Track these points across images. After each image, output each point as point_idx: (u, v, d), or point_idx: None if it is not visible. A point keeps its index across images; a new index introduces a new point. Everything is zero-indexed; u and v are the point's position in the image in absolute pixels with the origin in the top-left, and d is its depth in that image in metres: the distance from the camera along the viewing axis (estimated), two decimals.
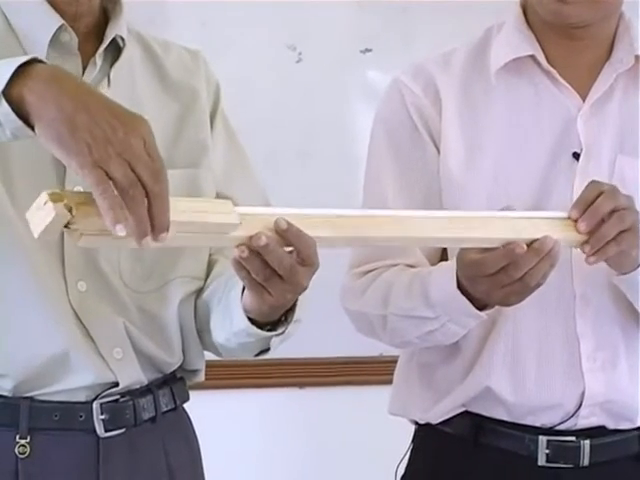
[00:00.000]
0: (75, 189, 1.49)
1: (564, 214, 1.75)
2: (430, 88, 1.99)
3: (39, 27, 1.70)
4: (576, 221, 1.74)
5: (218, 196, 1.81)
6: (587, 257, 1.75)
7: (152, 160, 1.36)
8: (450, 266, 1.80)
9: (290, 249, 1.51)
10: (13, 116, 1.39)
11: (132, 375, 1.70)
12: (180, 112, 1.82)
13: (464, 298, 1.79)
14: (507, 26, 1.99)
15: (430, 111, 1.98)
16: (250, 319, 1.63)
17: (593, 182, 1.78)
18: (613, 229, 1.75)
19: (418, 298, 1.86)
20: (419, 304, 1.86)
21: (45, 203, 1.35)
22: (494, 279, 1.71)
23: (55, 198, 1.34)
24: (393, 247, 1.84)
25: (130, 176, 1.34)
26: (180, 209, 1.41)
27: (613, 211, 1.76)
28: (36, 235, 1.36)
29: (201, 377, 1.84)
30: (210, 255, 1.84)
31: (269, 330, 1.64)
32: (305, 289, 1.56)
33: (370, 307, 1.93)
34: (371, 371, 2.60)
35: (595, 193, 1.76)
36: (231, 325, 1.69)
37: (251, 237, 1.48)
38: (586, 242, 1.74)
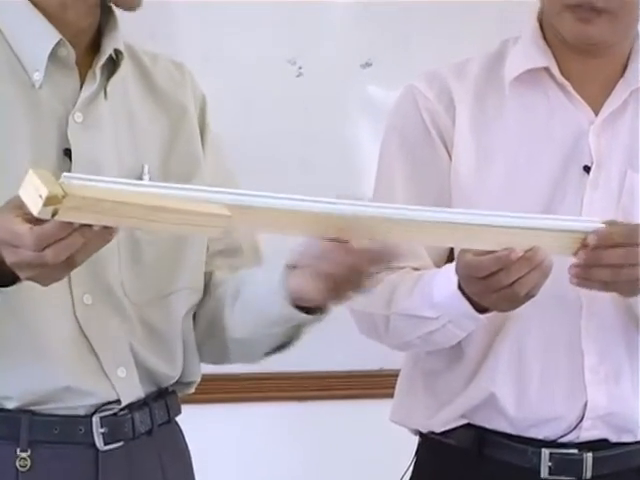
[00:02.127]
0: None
1: (587, 226, 1.74)
2: (444, 94, 1.99)
3: (38, 42, 1.69)
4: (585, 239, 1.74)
5: None
6: (573, 268, 1.75)
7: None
8: (453, 267, 1.80)
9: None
10: None
11: (134, 393, 1.70)
12: (171, 125, 1.82)
13: (464, 299, 1.80)
14: (523, 38, 2.00)
15: (443, 117, 1.99)
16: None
17: (629, 227, 1.79)
18: (616, 258, 1.76)
19: (421, 298, 1.87)
20: (421, 304, 1.86)
21: (39, 197, 1.37)
22: (486, 282, 1.72)
23: (50, 201, 1.37)
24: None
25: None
26: (166, 220, 1.45)
27: (630, 245, 1.77)
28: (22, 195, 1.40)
29: (192, 389, 1.84)
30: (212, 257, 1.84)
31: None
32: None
33: (374, 307, 1.92)
34: (371, 385, 2.59)
35: (621, 237, 1.77)
36: (262, 315, 1.70)
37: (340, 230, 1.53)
38: (581, 249, 1.74)
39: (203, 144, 1.86)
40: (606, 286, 1.81)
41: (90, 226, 1.42)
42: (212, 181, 1.80)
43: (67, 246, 1.43)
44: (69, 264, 1.46)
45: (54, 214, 1.38)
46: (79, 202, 1.39)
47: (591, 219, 1.77)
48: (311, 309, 1.65)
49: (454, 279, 1.80)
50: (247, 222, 1.55)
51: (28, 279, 1.48)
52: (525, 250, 1.68)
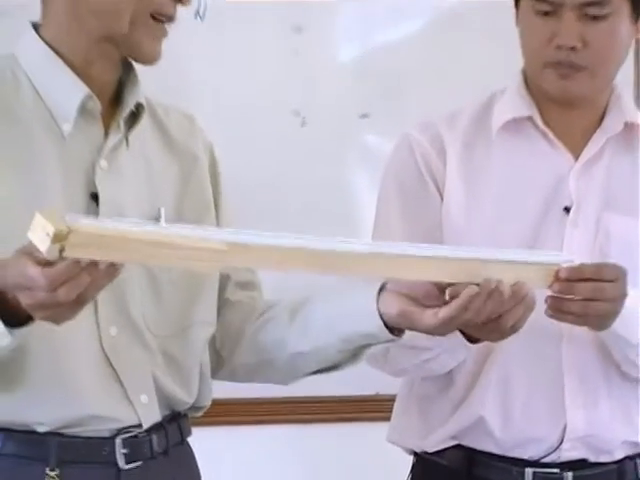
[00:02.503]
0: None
1: (560, 260, 1.73)
2: (436, 141, 2.00)
3: (67, 96, 1.69)
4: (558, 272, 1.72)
5: None
6: (548, 299, 1.74)
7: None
8: None
9: None
10: None
11: (154, 417, 1.71)
12: (184, 172, 1.82)
13: (457, 330, 1.77)
14: (509, 90, 2.01)
15: (435, 161, 1.99)
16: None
17: (604, 265, 1.80)
18: (586, 291, 1.76)
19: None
20: (417, 334, 1.80)
21: (47, 235, 1.37)
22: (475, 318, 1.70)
23: (57, 238, 1.37)
24: None
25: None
26: (167, 256, 1.45)
27: (599, 280, 1.77)
28: (30, 236, 1.39)
29: (201, 413, 1.84)
30: (226, 297, 1.84)
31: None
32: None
33: None
34: (368, 409, 2.58)
35: (592, 273, 1.76)
36: (335, 330, 1.71)
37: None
38: (555, 282, 1.72)
39: (217, 189, 1.87)
40: (577, 319, 1.81)
41: (96, 264, 1.42)
42: (229, 223, 1.83)
43: (77, 284, 1.42)
44: (79, 302, 1.45)
45: (61, 251, 1.37)
46: (84, 238, 1.38)
47: (564, 254, 1.78)
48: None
49: None
50: (243, 259, 1.53)
51: (42, 319, 1.48)
52: (510, 285, 1.65)
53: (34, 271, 1.43)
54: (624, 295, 1.82)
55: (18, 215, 1.57)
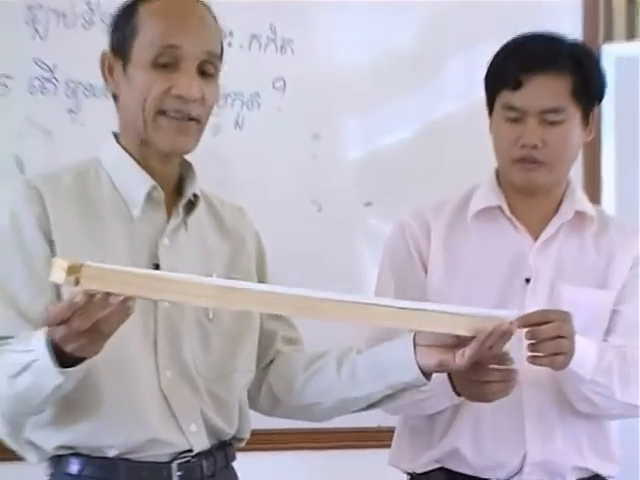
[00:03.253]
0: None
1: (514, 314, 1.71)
2: (424, 225, 2.04)
3: (138, 186, 1.73)
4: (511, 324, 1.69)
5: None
6: (527, 348, 1.79)
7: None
8: None
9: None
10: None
11: (202, 444, 1.72)
12: (233, 250, 1.83)
13: (449, 383, 1.85)
14: (484, 185, 2.05)
15: (423, 242, 2.04)
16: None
17: (543, 310, 1.83)
18: (551, 331, 1.80)
19: None
20: None
21: (63, 270, 1.35)
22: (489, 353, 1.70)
23: (71, 270, 1.35)
24: (397, 333, 1.82)
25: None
26: (167, 289, 1.43)
27: (551, 321, 1.80)
28: (51, 278, 1.38)
29: (243, 443, 1.84)
30: (274, 339, 1.86)
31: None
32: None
33: None
34: (371, 438, 2.59)
35: (539, 317, 1.81)
36: (381, 379, 1.73)
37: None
38: (528, 334, 1.76)
39: (263, 272, 1.88)
40: (550, 359, 1.82)
41: (107, 298, 1.39)
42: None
43: (88, 315, 1.40)
44: (98, 333, 1.43)
45: (77, 283, 1.35)
46: (95, 272, 1.36)
47: (511, 310, 1.74)
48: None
49: None
50: (233, 300, 1.50)
51: (72, 352, 1.46)
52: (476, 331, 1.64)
53: (49, 306, 1.45)
54: (574, 333, 1.84)
55: None
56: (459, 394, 1.86)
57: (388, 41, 2.78)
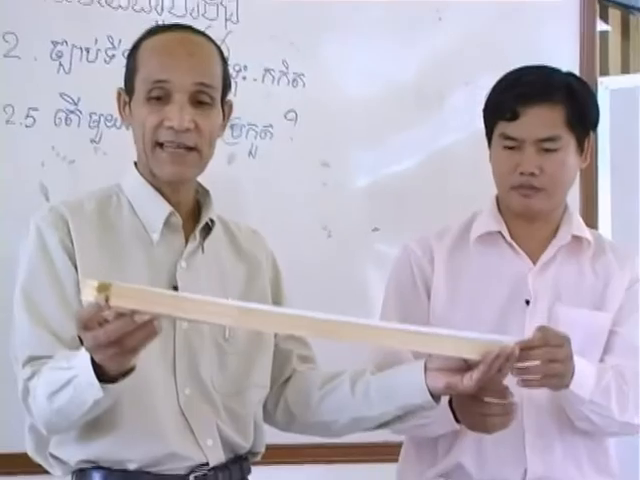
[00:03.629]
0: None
1: (513, 340, 1.71)
2: (428, 252, 2.05)
3: (156, 212, 1.76)
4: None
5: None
6: (517, 369, 1.73)
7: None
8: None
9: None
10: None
11: (219, 457, 1.73)
12: (249, 272, 1.85)
13: (450, 412, 1.84)
14: (484, 210, 2.07)
15: (427, 267, 2.04)
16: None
17: (543, 334, 1.77)
18: (541, 356, 1.76)
19: None
20: None
21: (93, 288, 1.37)
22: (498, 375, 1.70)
23: (101, 288, 1.38)
24: (403, 352, 1.86)
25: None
26: (190, 308, 1.45)
27: (545, 345, 1.77)
28: (82, 297, 1.40)
29: (259, 457, 1.85)
30: (290, 357, 1.87)
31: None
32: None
33: None
34: (378, 453, 2.58)
35: (539, 341, 1.76)
36: (393, 400, 1.73)
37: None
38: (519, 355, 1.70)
39: (280, 292, 1.90)
40: (541, 381, 1.80)
41: (132, 316, 1.40)
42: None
43: (114, 328, 1.41)
44: (124, 348, 1.44)
45: (106, 300, 1.37)
46: (123, 291, 1.39)
47: (514, 336, 1.74)
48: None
49: (447, 398, 1.81)
50: (253, 320, 1.51)
51: (100, 362, 1.48)
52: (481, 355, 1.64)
53: (79, 310, 1.47)
54: (571, 357, 1.83)
55: None
56: (459, 421, 1.85)
57: (394, 75, 2.80)
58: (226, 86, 1.80)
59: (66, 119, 2.46)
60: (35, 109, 2.43)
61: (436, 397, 1.71)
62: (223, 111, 1.80)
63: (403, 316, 2.00)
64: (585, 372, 1.89)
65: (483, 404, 1.73)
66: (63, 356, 1.58)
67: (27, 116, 2.42)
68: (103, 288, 1.37)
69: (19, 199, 2.37)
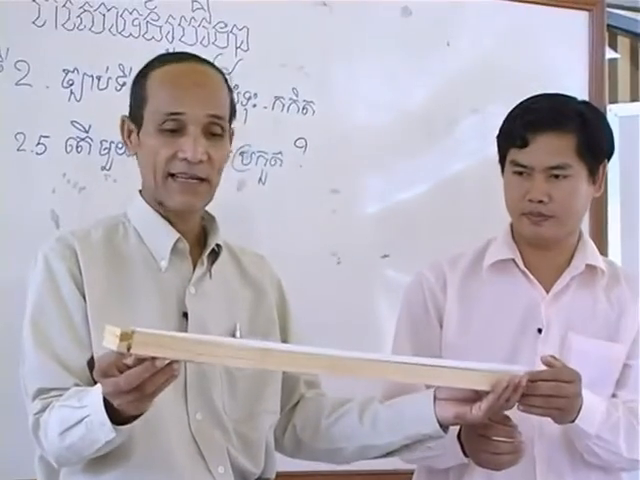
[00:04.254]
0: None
1: (523, 370, 1.74)
2: (440, 277, 2.06)
3: (164, 239, 1.77)
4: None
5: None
6: (521, 397, 1.72)
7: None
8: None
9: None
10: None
11: None
12: (255, 297, 1.87)
13: (458, 445, 1.84)
14: (499, 238, 2.08)
15: (439, 295, 2.05)
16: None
17: (558, 370, 1.79)
18: (547, 390, 1.77)
19: None
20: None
21: (116, 337, 1.38)
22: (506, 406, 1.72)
23: (123, 337, 1.38)
24: (414, 385, 1.85)
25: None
26: (213, 353, 1.47)
27: (555, 380, 1.79)
28: (104, 344, 1.41)
29: None
30: (298, 383, 1.87)
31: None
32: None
33: None
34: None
35: (550, 375, 1.79)
36: (400, 430, 1.74)
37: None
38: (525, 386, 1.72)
39: (287, 317, 1.90)
40: (543, 411, 1.80)
41: (154, 362, 1.41)
42: (293, 339, 1.87)
43: (136, 375, 1.42)
44: (145, 393, 1.45)
45: (129, 348, 1.38)
46: (145, 338, 1.40)
47: (522, 366, 1.77)
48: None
49: (456, 431, 1.82)
50: (271, 362, 1.53)
51: (120, 407, 1.49)
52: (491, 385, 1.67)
53: (99, 358, 1.48)
54: (579, 394, 1.84)
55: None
56: (467, 455, 1.85)
57: (403, 103, 2.81)
58: (232, 114, 1.82)
59: (77, 146, 2.47)
60: (46, 137, 2.44)
61: (444, 427, 1.71)
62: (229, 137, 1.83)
63: (415, 343, 2.03)
64: (593, 407, 1.89)
65: (492, 442, 1.74)
66: (75, 393, 1.58)
67: (38, 143, 2.43)
68: (125, 337, 1.38)
69: (30, 225, 2.37)
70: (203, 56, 1.85)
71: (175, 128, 1.72)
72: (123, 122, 1.80)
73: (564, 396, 1.81)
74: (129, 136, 1.79)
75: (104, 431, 1.52)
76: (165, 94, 1.73)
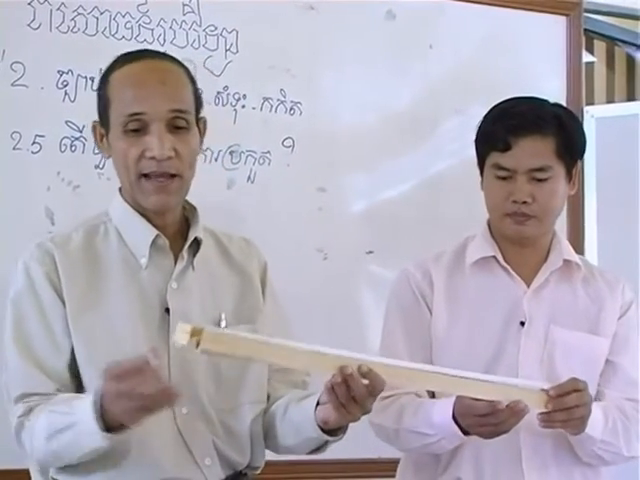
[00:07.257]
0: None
1: (539, 385, 1.79)
2: (427, 275, 2.05)
3: (143, 236, 1.74)
4: (548, 393, 1.78)
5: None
6: (541, 415, 1.78)
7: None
8: (450, 401, 1.85)
9: (366, 382, 1.55)
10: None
11: (217, 475, 1.72)
12: (241, 284, 1.82)
13: (455, 425, 1.85)
14: (478, 236, 2.07)
15: (427, 290, 2.04)
16: (321, 428, 1.65)
17: (573, 379, 1.82)
18: (576, 400, 1.80)
19: (423, 419, 1.91)
20: (423, 423, 1.91)
21: (187, 333, 1.41)
22: (478, 420, 1.79)
23: (194, 333, 1.41)
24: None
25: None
26: (274, 353, 1.50)
27: (575, 390, 1.81)
28: (175, 340, 1.43)
29: (258, 471, 1.82)
30: (270, 381, 1.82)
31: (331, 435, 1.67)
32: (370, 411, 1.61)
33: (388, 422, 1.97)
34: (372, 469, 2.57)
35: (570, 387, 1.81)
36: (300, 432, 1.71)
37: (341, 367, 1.54)
38: (549, 402, 1.77)
39: (264, 297, 1.85)
40: (565, 424, 1.84)
41: (160, 379, 1.43)
42: (269, 324, 1.81)
43: (139, 381, 1.43)
44: (144, 407, 1.46)
45: (197, 345, 1.41)
46: (214, 336, 1.44)
47: (537, 382, 1.82)
48: (334, 430, 1.67)
49: (450, 409, 1.83)
50: (323, 365, 1.54)
51: (118, 412, 1.48)
52: (510, 401, 1.73)
53: (111, 363, 1.48)
54: (592, 400, 1.87)
55: (107, 331, 1.66)
56: (465, 432, 1.85)
57: (388, 103, 2.81)
58: (199, 105, 1.77)
59: (71, 146, 2.47)
60: (41, 136, 2.44)
61: (335, 430, 1.67)
62: (199, 128, 1.78)
63: (407, 334, 2.02)
64: (596, 413, 1.89)
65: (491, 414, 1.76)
66: (63, 400, 1.58)
67: (33, 143, 2.43)
68: (196, 333, 1.40)
69: (26, 223, 2.38)
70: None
71: (138, 128, 1.68)
72: (95, 127, 1.77)
73: (584, 404, 1.82)
74: (101, 140, 1.76)
75: (94, 438, 1.51)
76: (125, 96, 1.70)
